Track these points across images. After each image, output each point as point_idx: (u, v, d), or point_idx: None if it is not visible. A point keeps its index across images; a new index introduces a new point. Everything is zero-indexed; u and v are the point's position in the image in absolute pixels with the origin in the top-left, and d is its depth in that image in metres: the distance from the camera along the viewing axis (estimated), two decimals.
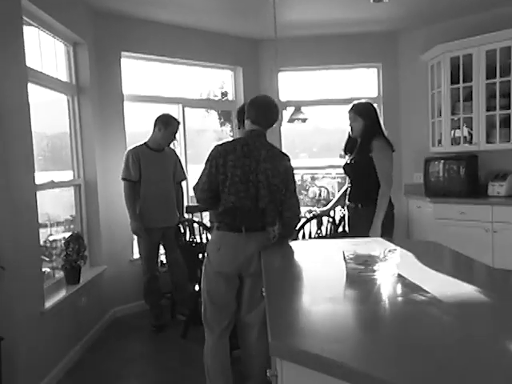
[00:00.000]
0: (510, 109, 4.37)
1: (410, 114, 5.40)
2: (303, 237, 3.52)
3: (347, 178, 3.50)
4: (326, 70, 5.66)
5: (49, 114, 4.38)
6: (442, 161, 4.92)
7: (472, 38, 4.49)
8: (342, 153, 3.49)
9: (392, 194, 3.63)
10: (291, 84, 5.68)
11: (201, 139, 6.25)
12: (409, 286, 1.71)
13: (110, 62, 4.33)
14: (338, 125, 4.22)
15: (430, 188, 4.99)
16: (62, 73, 3.88)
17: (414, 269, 1.97)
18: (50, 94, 3.69)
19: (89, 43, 4.05)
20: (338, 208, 3.77)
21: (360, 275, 1.86)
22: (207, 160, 2.61)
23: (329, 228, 3.68)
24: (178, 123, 4.04)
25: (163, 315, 4.19)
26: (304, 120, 4.05)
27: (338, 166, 7.22)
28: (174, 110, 5.01)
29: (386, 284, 1.77)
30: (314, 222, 3.63)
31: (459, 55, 4.62)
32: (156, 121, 3.97)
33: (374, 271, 1.85)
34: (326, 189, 7.07)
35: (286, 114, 4.10)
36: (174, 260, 4.14)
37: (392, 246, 2.32)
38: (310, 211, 4.68)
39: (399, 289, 1.72)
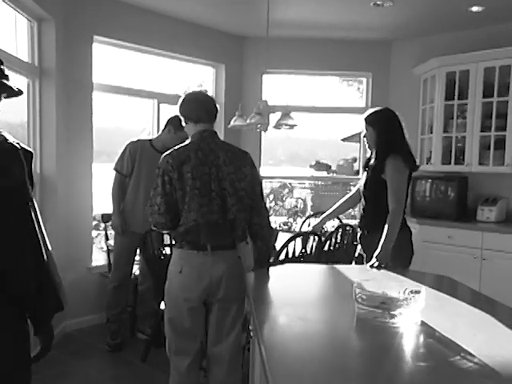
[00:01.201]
0: (505, 130, 4.15)
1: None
2: (286, 256, 3.16)
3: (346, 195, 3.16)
4: (313, 75, 5.36)
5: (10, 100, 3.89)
6: (430, 180, 4.68)
7: (470, 53, 4.26)
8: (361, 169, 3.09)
9: None
10: (276, 87, 5.34)
11: None
12: (444, 343, 1.36)
13: (79, 44, 3.85)
14: (307, 134, 3.86)
15: (415, 208, 4.74)
16: (22, 52, 3.40)
17: (438, 314, 1.63)
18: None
19: (57, 21, 3.57)
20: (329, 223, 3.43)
21: (375, 321, 1.51)
22: (158, 175, 2.22)
23: (314, 246, 3.33)
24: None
25: (121, 332, 3.74)
26: (292, 126, 3.69)
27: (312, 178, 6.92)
28: (149, 106, 4.57)
29: (411, 338, 1.43)
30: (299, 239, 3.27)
31: (456, 70, 4.39)
32: (168, 121, 3.62)
33: (393, 317, 1.50)
34: (303, 200, 6.76)
35: (273, 118, 3.73)
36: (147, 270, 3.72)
37: (406, 281, 1.99)
38: (286, 223, 4.32)
39: (432, 348, 1.36)
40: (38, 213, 1.57)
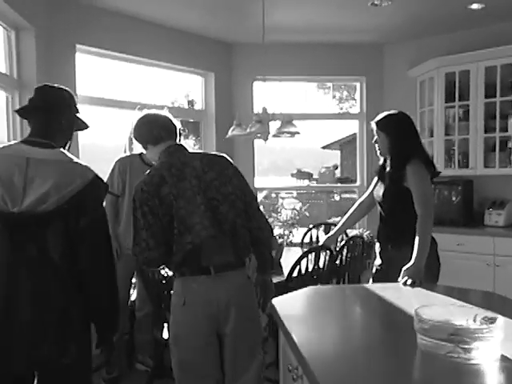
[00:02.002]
0: (510, 131, 4.03)
1: None
2: (299, 273, 2.92)
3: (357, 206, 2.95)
4: (305, 81, 5.18)
5: None
6: (433, 185, 4.48)
7: (470, 52, 4.14)
8: (376, 178, 2.86)
9: (378, 220, 3.08)
10: (264, 94, 5.12)
11: None
12: None
13: (62, 54, 3.58)
14: (284, 143, 3.64)
15: None
16: None
17: None
18: None
19: (37, 30, 3.29)
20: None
21: (445, 357, 1.28)
22: (135, 208, 1.98)
23: (326, 261, 3.11)
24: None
25: (118, 364, 3.43)
26: (294, 134, 3.48)
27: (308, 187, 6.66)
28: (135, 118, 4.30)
29: (494, 378, 1.20)
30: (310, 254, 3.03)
31: (455, 71, 4.25)
32: None
33: (468, 351, 1.27)
34: (297, 211, 6.53)
35: (273, 126, 3.51)
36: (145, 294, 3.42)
37: (450, 300, 1.76)
38: (281, 236, 4.10)
39: None
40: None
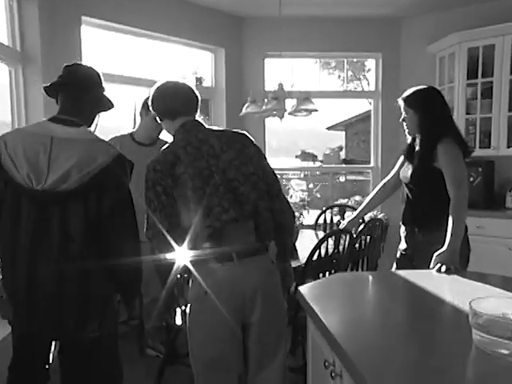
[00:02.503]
0: None
1: None
2: (319, 256, 2.78)
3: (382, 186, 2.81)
4: (318, 57, 4.98)
5: None
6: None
7: (495, 26, 3.93)
8: (401, 158, 2.71)
9: (392, 202, 2.94)
10: (274, 71, 4.92)
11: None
12: None
13: (67, 26, 3.39)
14: (285, 125, 3.47)
15: None
16: (1, 35, 2.93)
17: None
18: None
19: None
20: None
21: (509, 358, 1.14)
22: (147, 189, 1.84)
23: (346, 245, 2.97)
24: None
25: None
26: (310, 112, 3.31)
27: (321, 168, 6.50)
28: (142, 95, 4.12)
29: None
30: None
31: (479, 46, 4.05)
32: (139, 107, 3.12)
33: None
34: (308, 192, 6.39)
35: (290, 103, 3.34)
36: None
37: (496, 290, 1.63)
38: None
39: None
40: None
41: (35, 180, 1.68)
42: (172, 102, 1.91)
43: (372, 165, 5.06)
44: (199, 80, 5.18)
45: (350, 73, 19.66)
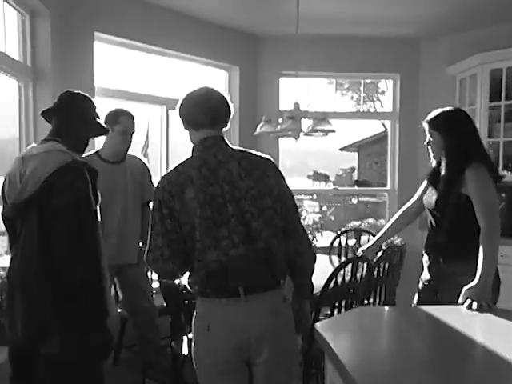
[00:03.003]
0: None
1: None
2: (335, 284, 2.62)
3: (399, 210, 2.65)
4: (335, 77, 4.88)
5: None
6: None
7: None
8: (425, 183, 2.56)
9: (408, 227, 2.76)
10: (288, 90, 4.83)
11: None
12: None
13: (79, 42, 3.33)
14: (295, 145, 3.33)
15: None
16: (11, 50, 2.86)
17: None
18: None
19: (53, 14, 3.05)
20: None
21: None
22: (154, 209, 1.71)
23: (364, 273, 2.80)
24: (132, 118, 2.95)
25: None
26: (327, 132, 3.18)
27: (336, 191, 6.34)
28: (157, 112, 4.05)
29: None
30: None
31: (502, 67, 3.92)
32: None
33: None
34: (321, 215, 6.24)
35: (305, 124, 3.22)
36: (135, 308, 3.11)
37: None
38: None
39: None
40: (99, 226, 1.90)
41: (12, 198, 1.84)
42: (198, 110, 1.74)
43: (389, 187, 4.91)
44: None
45: (363, 94, 19.67)
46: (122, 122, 2.90)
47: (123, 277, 3.04)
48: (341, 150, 19.97)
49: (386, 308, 2.13)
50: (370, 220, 12.15)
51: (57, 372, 1.85)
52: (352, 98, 19.94)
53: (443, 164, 2.37)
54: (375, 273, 2.96)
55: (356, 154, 21.24)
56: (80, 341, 1.82)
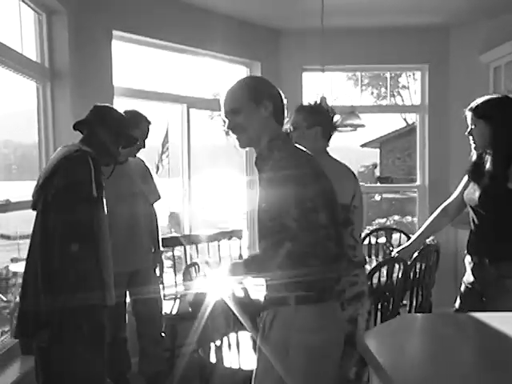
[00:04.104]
0: None
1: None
2: (371, 287, 2.46)
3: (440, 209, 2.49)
4: (361, 70, 4.70)
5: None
6: None
7: None
8: (465, 178, 2.39)
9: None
10: (318, 86, 4.67)
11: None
12: None
13: (97, 41, 3.23)
14: None
15: None
16: (29, 50, 2.78)
17: None
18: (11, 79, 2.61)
19: (70, 13, 2.95)
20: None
21: None
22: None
23: (400, 275, 2.64)
24: (150, 124, 2.88)
25: None
26: (356, 127, 3.02)
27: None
28: (177, 111, 3.94)
29: None
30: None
31: None
32: None
33: None
34: None
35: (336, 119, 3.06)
36: (143, 315, 2.90)
37: None
38: None
39: None
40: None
41: None
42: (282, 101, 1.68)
43: (418, 183, 4.71)
44: None
45: (383, 89, 19.29)
46: (141, 129, 2.80)
47: (134, 283, 2.83)
48: (362, 146, 19.64)
49: (434, 316, 1.97)
50: (396, 217, 11.90)
51: (47, 366, 1.89)
52: (372, 93, 19.60)
53: (488, 156, 2.19)
54: (411, 274, 2.80)
55: (378, 150, 20.88)
56: (71, 334, 1.87)
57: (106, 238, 1.99)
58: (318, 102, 3.08)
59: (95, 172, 1.91)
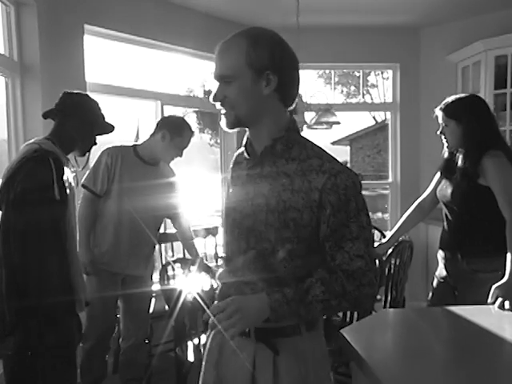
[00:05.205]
0: None
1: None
2: None
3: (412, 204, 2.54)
4: (334, 68, 4.74)
5: None
6: None
7: None
8: (438, 175, 2.44)
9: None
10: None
11: None
12: None
13: (68, 35, 3.14)
14: None
15: None
16: None
17: None
18: None
19: (40, 6, 2.87)
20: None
21: None
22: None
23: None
24: (192, 134, 2.74)
25: None
26: (331, 125, 3.05)
27: None
28: (151, 108, 3.89)
29: None
30: None
31: (507, 54, 3.80)
32: (161, 124, 2.71)
33: None
34: None
35: (308, 116, 3.09)
36: (131, 310, 2.79)
37: None
38: None
39: None
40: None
41: None
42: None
43: (390, 180, 4.79)
44: (207, 93, 4.96)
45: (352, 87, 19.57)
46: (185, 137, 2.68)
47: (126, 286, 2.73)
48: (333, 143, 19.89)
49: (410, 310, 2.01)
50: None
51: (11, 376, 1.81)
52: (342, 91, 19.89)
53: (459, 154, 2.25)
54: (386, 269, 2.85)
55: (348, 147, 21.17)
56: (36, 342, 1.77)
57: (72, 240, 1.91)
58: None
59: (57, 172, 1.80)
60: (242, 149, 1.35)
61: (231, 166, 1.42)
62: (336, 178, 1.17)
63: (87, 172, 2.65)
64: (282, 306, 1.12)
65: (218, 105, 1.24)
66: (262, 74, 1.19)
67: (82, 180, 2.63)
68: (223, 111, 1.23)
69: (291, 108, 1.30)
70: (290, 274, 1.19)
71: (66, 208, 1.86)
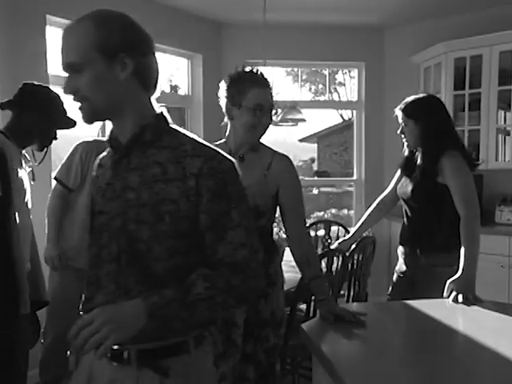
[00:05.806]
0: None
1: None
2: None
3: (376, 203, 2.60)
4: (299, 66, 4.79)
5: None
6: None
7: (483, 36, 3.82)
8: (398, 173, 2.51)
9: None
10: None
11: None
12: None
13: (30, 26, 3.05)
14: None
15: None
16: None
17: None
18: None
19: None
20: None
21: None
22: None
23: (338, 266, 2.74)
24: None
25: None
26: (297, 122, 3.09)
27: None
28: None
29: None
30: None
31: (466, 56, 3.93)
32: None
33: None
34: None
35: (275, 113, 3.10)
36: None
37: None
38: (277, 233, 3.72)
39: None
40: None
41: None
42: None
43: (355, 177, 4.89)
44: (174, 88, 4.93)
45: (320, 85, 19.72)
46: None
47: None
48: (300, 141, 20.05)
49: (371, 304, 2.07)
50: (333, 210, 12.25)
51: None
52: (310, 89, 20.02)
53: (419, 153, 2.32)
54: (349, 265, 2.91)
55: (315, 145, 21.40)
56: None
57: (17, 237, 1.80)
58: None
59: (2, 169, 1.73)
60: (105, 153, 1.26)
61: (93, 172, 1.29)
62: (213, 161, 1.08)
63: (59, 165, 2.65)
64: (161, 309, 0.98)
65: (71, 98, 1.10)
66: (114, 58, 1.08)
67: (55, 173, 2.64)
68: (78, 104, 1.10)
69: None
70: (169, 275, 1.07)
71: (9, 204, 1.77)
